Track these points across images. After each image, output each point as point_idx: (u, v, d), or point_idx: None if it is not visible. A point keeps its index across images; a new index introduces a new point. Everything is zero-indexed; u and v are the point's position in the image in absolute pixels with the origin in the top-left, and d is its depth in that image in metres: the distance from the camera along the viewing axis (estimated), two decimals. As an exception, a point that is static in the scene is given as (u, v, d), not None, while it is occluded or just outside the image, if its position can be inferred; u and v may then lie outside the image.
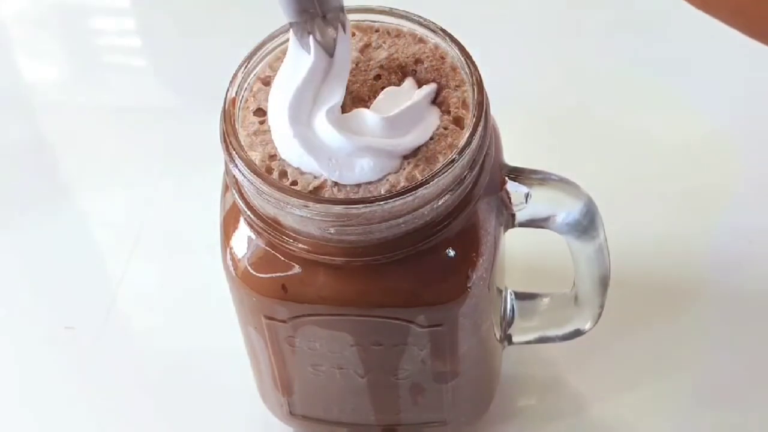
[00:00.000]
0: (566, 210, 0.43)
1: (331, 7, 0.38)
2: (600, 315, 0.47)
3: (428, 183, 0.37)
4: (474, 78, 0.39)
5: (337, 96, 0.38)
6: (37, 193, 0.61)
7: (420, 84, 0.40)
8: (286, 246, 0.39)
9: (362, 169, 0.37)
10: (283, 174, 0.38)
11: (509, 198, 0.42)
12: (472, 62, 0.40)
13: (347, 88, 0.39)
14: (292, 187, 0.37)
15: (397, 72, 0.40)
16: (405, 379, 0.44)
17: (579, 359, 0.52)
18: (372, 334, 0.42)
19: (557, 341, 0.49)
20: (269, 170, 0.38)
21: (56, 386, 0.53)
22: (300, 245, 0.38)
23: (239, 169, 0.38)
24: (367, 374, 0.44)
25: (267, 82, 0.40)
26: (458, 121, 0.39)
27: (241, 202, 0.39)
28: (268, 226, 0.39)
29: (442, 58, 0.40)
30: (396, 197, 0.36)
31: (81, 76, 0.70)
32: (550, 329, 0.48)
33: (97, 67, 0.70)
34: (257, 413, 0.50)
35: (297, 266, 0.39)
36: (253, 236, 0.40)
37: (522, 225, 0.43)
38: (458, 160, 0.37)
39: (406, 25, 0.41)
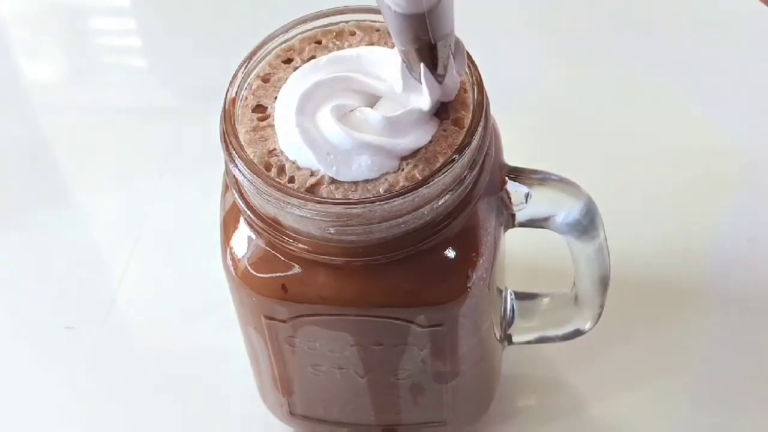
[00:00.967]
0: (566, 210, 0.43)
1: (443, 33, 0.36)
2: (600, 315, 0.47)
3: (428, 183, 0.37)
4: (474, 78, 0.39)
5: (357, 102, 0.38)
6: (37, 193, 0.61)
7: None
8: (286, 246, 0.39)
9: (360, 167, 0.37)
10: (281, 170, 0.38)
11: (509, 198, 0.42)
12: (472, 62, 0.40)
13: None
14: (290, 184, 0.37)
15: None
16: (405, 379, 0.44)
17: (579, 359, 0.52)
18: (372, 334, 0.42)
19: (557, 341, 0.49)
20: (268, 166, 0.38)
21: (56, 386, 0.53)
22: (300, 245, 0.38)
23: (239, 169, 0.38)
24: (367, 374, 0.44)
25: (267, 80, 0.40)
26: (458, 122, 0.39)
27: (241, 202, 0.39)
28: (268, 226, 0.39)
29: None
30: (396, 197, 0.36)
31: (81, 76, 0.70)
32: (550, 329, 0.48)
33: (97, 67, 0.70)
34: (257, 413, 0.50)
35: (297, 266, 0.39)
36: (253, 236, 0.40)
37: (522, 225, 0.43)
38: (458, 160, 0.37)
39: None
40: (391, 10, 0.35)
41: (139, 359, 0.54)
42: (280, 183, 0.37)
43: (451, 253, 0.39)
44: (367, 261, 0.38)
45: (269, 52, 0.41)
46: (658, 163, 0.59)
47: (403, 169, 0.38)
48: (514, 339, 0.49)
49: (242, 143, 0.38)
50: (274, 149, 0.39)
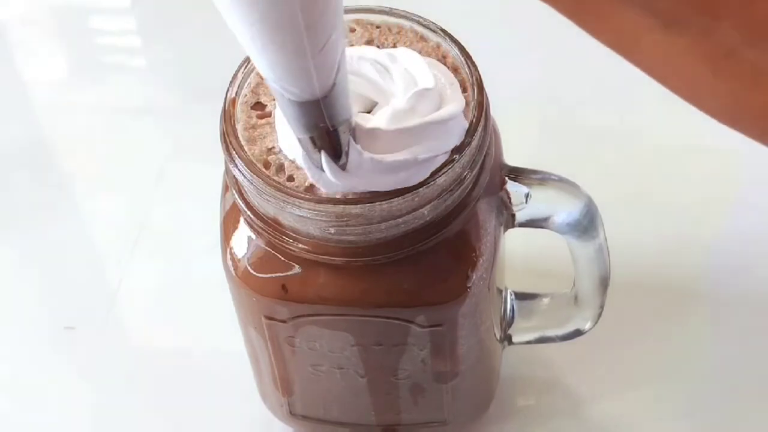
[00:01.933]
0: (566, 210, 0.43)
1: (341, 120, 0.35)
2: (600, 315, 0.47)
3: (428, 183, 0.37)
4: (474, 78, 0.39)
5: (356, 105, 0.37)
6: (36, 194, 0.61)
7: None
8: (286, 246, 0.39)
9: None
10: (280, 168, 0.38)
11: (509, 198, 0.42)
12: (472, 62, 0.39)
13: None
14: (289, 183, 0.37)
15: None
16: (405, 379, 0.44)
17: (579, 359, 0.52)
18: (372, 334, 0.42)
19: (557, 341, 0.49)
20: (266, 164, 0.38)
21: (56, 386, 0.53)
22: (300, 245, 0.38)
23: (239, 169, 0.38)
24: (368, 374, 0.44)
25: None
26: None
27: (241, 202, 0.39)
28: (268, 226, 0.39)
29: (444, 57, 0.40)
30: (396, 197, 0.36)
31: (81, 76, 0.70)
32: (550, 329, 0.48)
33: (97, 67, 0.70)
34: (257, 413, 0.50)
35: (297, 266, 0.39)
36: (253, 236, 0.40)
37: (522, 225, 0.43)
38: (458, 160, 0.37)
39: (407, 25, 0.41)
40: (284, 97, 0.33)
41: (139, 359, 0.54)
42: (280, 183, 0.37)
43: (451, 253, 0.39)
44: (367, 261, 0.38)
45: (269, 52, 0.41)
46: (658, 163, 0.59)
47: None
48: (514, 339, 0.49)
49: (241, 141, 0.38)
50: (273, 147, 0.39)
